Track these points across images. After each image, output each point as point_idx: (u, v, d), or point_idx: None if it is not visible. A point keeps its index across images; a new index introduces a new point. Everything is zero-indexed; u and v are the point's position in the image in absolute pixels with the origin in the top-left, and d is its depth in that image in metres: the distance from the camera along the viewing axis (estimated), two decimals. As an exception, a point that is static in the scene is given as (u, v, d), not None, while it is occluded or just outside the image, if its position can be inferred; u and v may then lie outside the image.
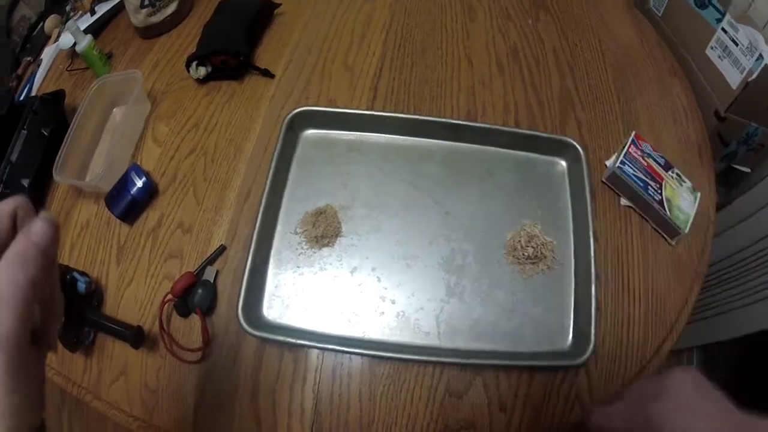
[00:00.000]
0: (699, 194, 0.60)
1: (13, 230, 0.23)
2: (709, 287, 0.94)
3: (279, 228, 0.53)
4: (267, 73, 0.64)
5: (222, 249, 0.54)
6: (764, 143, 0.79)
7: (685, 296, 0.53)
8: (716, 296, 0.92)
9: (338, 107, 0.59)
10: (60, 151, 0.58)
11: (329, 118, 0.57)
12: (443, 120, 0.56)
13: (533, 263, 0.53)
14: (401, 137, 0.57)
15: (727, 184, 0.91)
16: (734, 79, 0.73)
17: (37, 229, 0.22)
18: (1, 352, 0.20)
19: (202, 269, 0.53)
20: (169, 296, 0.51)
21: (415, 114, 0.58)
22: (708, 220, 0.60)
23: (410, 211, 0.53)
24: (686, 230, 0.56)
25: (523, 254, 0.53)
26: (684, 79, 0.71)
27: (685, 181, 0.61)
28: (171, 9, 0.71)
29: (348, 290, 0.51)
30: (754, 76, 0.70)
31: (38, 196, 0.61)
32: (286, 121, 0.56)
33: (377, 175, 0.55)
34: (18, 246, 0.22)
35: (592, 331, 0.47)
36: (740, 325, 0.85)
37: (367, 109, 0.60)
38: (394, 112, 0.59)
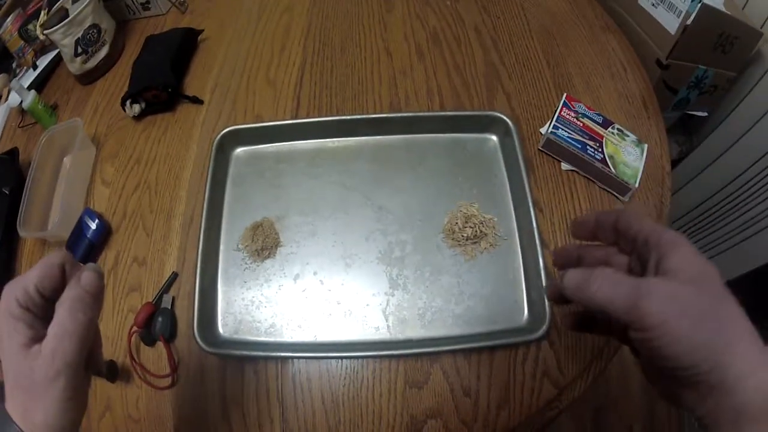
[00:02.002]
0: (646, 146, 0.59)
1: (62, 279, 0.29)
2: (690, 235, 0.92)
3: (222, 247, 0.55)
4: (196, 100, 0.65)
5: (174, 276, 0.56)
6: (717, 84, 0.77)
7: (648, 252, 0.53)
8: (698, 243, 0.90)
9: (263, 122, 0.60)
10: (20, 206, 0.61)
11: (255, 133, 0.58)
12: (365, 116, 0.57)
13: (475, 243, 0.53)
14: (328, 140, 0.58)
15: (688, 131, 0.89)
16: (672, 24, 0.72)
17: (86, 279, 0.28)
18: (65, 374, 0.27)
19: (159, 298, 0.55)
20: (134, 328, 0.54)
21: (337, 115, 0.59)
22: (663, 171, 0.59)
23: (344, 211, 0.54)
24: (636, 184, 0.56)
25: (462, 235, 0.53)
26: (619, 34, 0.70)
27: (628, 135, 0.60)
28: (103, 53, 0.73)
29: (294, 297, 0.52)
30: (692, 18, 0.68)
31: (8, 253, 0.63)
32: (215, 143, 0.58)
33: (308, 182, 0.56)
34: (73, 292, 0.28)
35: (546, 303, 0.47)
36: (727, 270, 0.84)
37: (291, 119, 0.61)
38: (317, 117, 0.60)
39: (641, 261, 0.28)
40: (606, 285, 0.25)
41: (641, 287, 0.24)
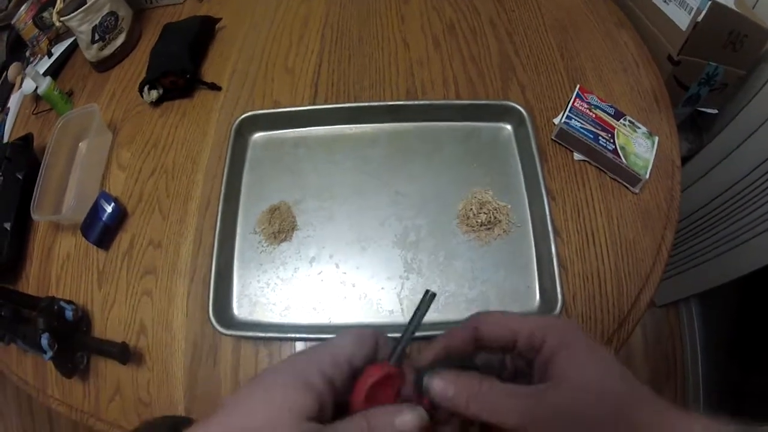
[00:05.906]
0: (657, 138, 0.60)
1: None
2: (699, 232, 0.92)
3: (239, 230, 0.55)
4: (214, 87, 0.66)
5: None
6: (727, 82, 0.77)
7: (658, 244, 0.52)
8: (707, 240, 0.91)
9: (281, 107, 0.61)
10: (35, 190, 0.61)
11: (273, 119, 0.59)
12: (382, 103, 0.57)
13: (488, 229, 0.54)
14: (344, 126, 0.59)
15: (698, 129, 0.90)
16: (683, 21, 0.73)
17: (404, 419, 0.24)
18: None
19: None
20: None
21: (355, 102, 0.59)
22: (673, 164, 0.60)
23: (360, 196, 0.55)
24: (646, 176, 0.56)
25: (477, 221, 0.53)
26: (632, 29, 0.71)
27: (639, 127, 0.61)
28: (120, 40, 0.74)
29: (309, 280, 0.52)
30: (703, 14, 0.69)
31: (20, 237, 0.64)
32: (233, 127, 0.58)
33: (325, 167, 0.57)
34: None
35: (558, 289, 0.47)
36: (735, 267, 0.84)
37: (309, 105, 0.61)
38: (335, 103, 0.61)
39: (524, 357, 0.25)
40: (489, 401, 0.23)
41: (532, 408, 0.22)
